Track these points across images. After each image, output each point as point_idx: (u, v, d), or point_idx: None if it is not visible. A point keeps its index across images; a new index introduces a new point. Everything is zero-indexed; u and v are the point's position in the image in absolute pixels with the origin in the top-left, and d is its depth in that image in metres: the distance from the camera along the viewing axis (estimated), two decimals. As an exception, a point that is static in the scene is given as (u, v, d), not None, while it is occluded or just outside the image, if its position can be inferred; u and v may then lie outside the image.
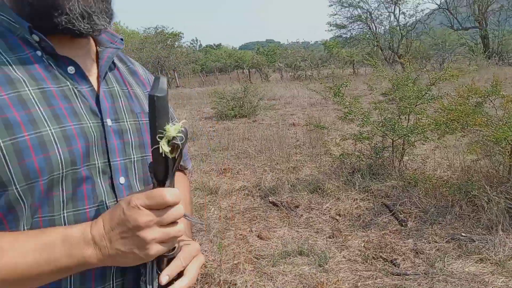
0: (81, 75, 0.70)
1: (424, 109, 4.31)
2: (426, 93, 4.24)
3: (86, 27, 0.66)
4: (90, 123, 0.68)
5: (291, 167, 5.19)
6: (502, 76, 14.68)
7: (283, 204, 4.01)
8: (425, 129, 4.02)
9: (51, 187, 0.63)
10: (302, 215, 3.79)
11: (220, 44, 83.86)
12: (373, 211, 3.72)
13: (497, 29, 24.25)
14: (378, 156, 4.53)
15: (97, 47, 0.77)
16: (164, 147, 0.58)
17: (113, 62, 0.80)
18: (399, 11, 24.91)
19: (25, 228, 0.62)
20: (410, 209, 3.66)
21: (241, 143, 6.80)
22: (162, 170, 0.60)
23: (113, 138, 0.72)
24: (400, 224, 3.44)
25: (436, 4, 24.64)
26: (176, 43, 28.86)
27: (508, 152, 3.38)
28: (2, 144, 0.59)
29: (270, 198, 4.17)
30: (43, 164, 0.61)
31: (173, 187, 0.62)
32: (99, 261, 0.60)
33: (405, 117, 4.44)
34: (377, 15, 25.67)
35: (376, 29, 25.84)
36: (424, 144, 5.08)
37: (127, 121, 0.75)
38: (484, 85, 8.76)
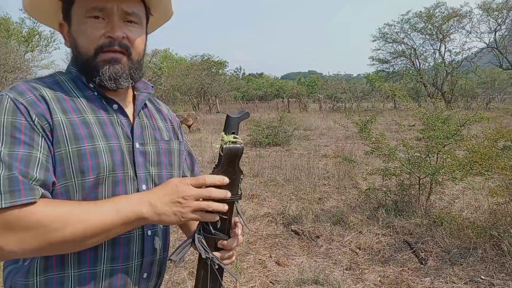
0: (121, 111, 0.99)
1: (453, 149, 4.29)
2: (455, 133, 4.24)
3: (112, 86, 0.95)
4: (125, 144, 0.96)
5: (317, 198, 5.26)
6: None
7: (305, 233, 4.08)
8: (452, 169, 4.01)
9: (96, 185, 0.88)
10: (322, 245, 3.84)
11: (262, 73, 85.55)
12: (393, 247, 3.72)
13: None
14: (405, 193, 4.52)
15: (134, 92, 1.07)
16: (217, 145, 0.89)
17: (145, 103, 1.08)
18: (445, 48, 24.55)
19: None
20: (432, 248, 3.62)
21: (271, 171, 6.95)
22: (217, 163, 0.90)
23: (139, 157, 0.98)
24: (420, 262, 3.42)
25: (485, 43, 24.05)
26: (220, 71, 29.84)
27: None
28: (70, 149, 0.85)
29: (292, 226, 4.27)
30: (94, 166, 0.87)
31: (224, 175, 0.89)
32: (150, 217, 0.84)
33: (434, 156, 4.43)
34: (421, 52, 25.42)
35: (420, 65, 25.54)
36: (456, 184, 5.01)
37: (150, 146, 1.03)
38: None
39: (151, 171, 1.00)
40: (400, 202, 4.52)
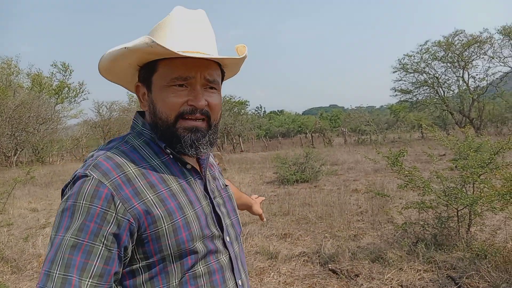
0: (194, 169, 1.03)
1: (489, 178, 4.19)
2: (490, 162, 4.16)
3: (193, 154, 0.98)
4: (205, 203, 1.01)
5: (352, 234, 5.17)
6: None
7: (343, 272, 4.00)
8: (491, 199, 3.90)
9: (191, 252, 0.93)
10: (362, 284, 3.75)
11: (283, 110, 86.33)
12: (437, 283, 3.58)
13: None
14: (443, 226, 4.40)
15: None
16: None
17: None
18: (468, 75, 24.31)
19: (176, 281, 0.92)
20: (478, 282, 3.47)
21: (302, 209, 6.90)
22: None
23: (219, 209, 1.05)
24: (467, 299, 3.27)
25: (509, 67, 23.69)
26: (242, 110, 30.39)
27: None
28: (166, 227, 0.89)
29: (329, 265, 4.19)
30: (188, 238, 0.92)
31: None
32: None
33: (470, 186, 4.33)
34: (444, 80, 25.24)
35: (444, 93, 25.29)
36: (496, 214, 4.84)
37: (218, 197, 1.09)
38: None
39: (228, 221, 1.08)
40: (440, 236, 4.39)
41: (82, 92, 38.12)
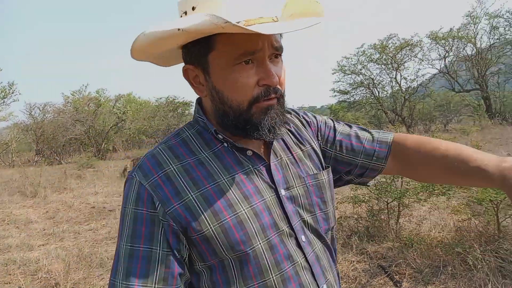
0: (257, 156, 0.87)
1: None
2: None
3: (270, 137, 0.83)
4: (269, 196, 0.84)
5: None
6: (505, 135, 14.94)
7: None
8: (417, 191, 4.21)
9: (254, 257, 0.79)
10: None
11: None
12: (369, 272, 3.80)
13: (497, 91, 24.91)
14: (375, 218, 4.67)
15: None
16: None
17: None
18: (401, 76, 25.87)
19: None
20: (405, 269, 3.73)
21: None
22: None
23: (288, 205, 0.86)
24: (395, 285, 3.51)
25: (436, 69, 25.65)
26: (187, 111, 30.02)
27: (494, 210, 3.53)
28: (213, 228, 0.77)
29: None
30: (244, 238, 0.79)
31: None
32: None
33: (398, 180, 4.63)
34: (379, 81, 26.65)
35: (379, 93, 26.70)
36: (423, 206, 5.22)
37: (296, 187, 0.89)
38: (485, 144, 8.97)
39: (305, 216, 0.89)
40: (372, 228, 4.65)
41: (12, 93, 35.54)
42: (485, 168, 0.84)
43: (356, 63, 26.37)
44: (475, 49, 23.79)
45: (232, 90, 0.80)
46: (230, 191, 0.81)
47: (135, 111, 28.14)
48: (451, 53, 24.58)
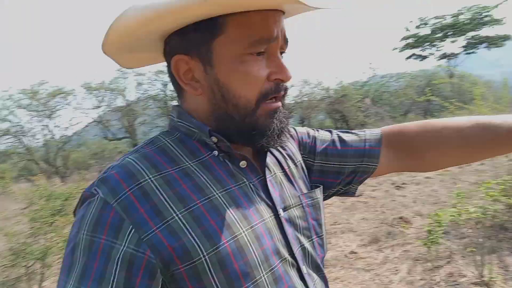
0: (251, 167, 0.72)
1: (62, 226, 4.18)
2: (61, 209, 4.20)
3: (276, 144, 0.70)
4: (269, 216, 0.69)
5: None
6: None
7: None
8: (62, 247, 3.86)
9: None
10: None
11: None
12: None
13: (143, 138, 28.42)
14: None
15: None
16: None
17: None
18: (54, 124, 25.07)
19: None
20: None
21: None
22: None
23: (288, 228, 0.72)
24: None
25: (91, 117, 26.57)
26: None
27: None
28: (206, 256, 0.59)
29: None
30: (245, 269, 0.62)
31: None
32: None
33: (42, 237, 4.14)
34: (29, 128, 24.77)
35: (29, 142, 24.77)
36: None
37: (293, 207, 0.76)
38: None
39: (304, 242, 0.74)
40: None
41: None
42: None
43: (1, 108, 23.58)
44: (125, 101, 26.31)
45: (241, 84, 0.67)
46: (226, 208, 0.65)
47: None
48: (104, 103, 26.09)
